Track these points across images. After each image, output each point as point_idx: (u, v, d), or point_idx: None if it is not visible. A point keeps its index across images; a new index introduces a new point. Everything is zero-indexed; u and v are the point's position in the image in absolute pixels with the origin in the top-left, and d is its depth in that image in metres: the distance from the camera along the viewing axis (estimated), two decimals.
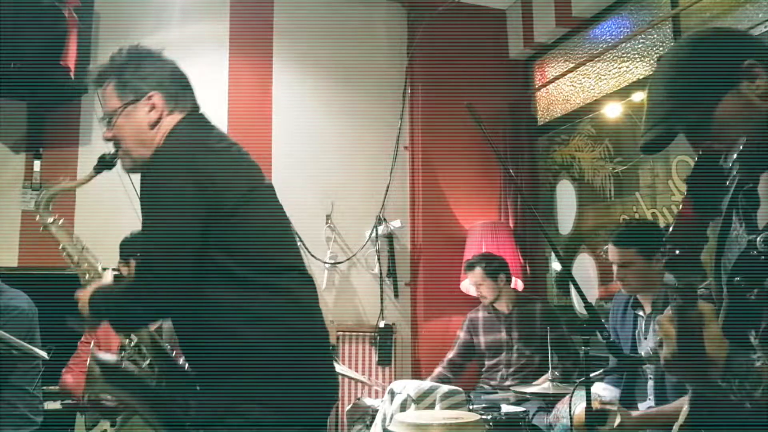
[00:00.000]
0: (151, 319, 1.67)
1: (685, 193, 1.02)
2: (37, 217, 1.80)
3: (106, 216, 3.61)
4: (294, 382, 1.52)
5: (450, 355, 3.79)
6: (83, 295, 1.66)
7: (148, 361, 2.52)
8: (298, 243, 4.05)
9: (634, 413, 2.18)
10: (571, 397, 2.26)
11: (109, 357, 1.89)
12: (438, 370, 3.76)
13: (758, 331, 1.10)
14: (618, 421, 2.09)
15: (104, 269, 1.81)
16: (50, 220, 1.80)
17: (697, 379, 1.06)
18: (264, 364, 1.50)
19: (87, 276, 1.78)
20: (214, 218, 1.51)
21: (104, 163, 1.76)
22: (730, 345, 1.02)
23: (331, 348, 1.76)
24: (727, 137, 1.10)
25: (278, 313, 1.55)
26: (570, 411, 2.24)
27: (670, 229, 1.02)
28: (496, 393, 3.49)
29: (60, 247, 1.80)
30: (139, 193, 1.60)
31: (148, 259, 1.53)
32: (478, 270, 3.67)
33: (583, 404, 1.98)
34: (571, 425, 2.24)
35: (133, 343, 2.78)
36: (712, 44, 1.19)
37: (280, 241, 1.66)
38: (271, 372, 1.50)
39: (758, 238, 1.08)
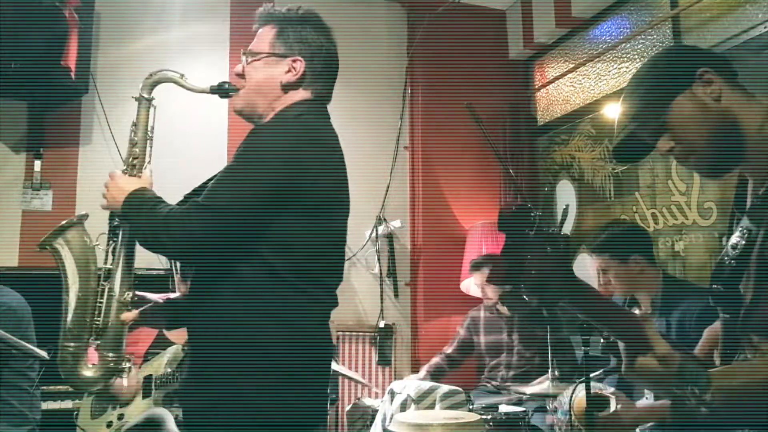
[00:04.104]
0: (176, 252, 1.57)
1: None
2: (138, 93, 1.73)
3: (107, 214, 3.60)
4: (290, 388, 1.48)
5: (448, 350, 3.80)
6: (122, 183, 1.62)
7: None
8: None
9: (638, 404, 2.18)
10: (573, 392, 2.26)
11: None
12: (435, 360, 3.78)
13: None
14: (616, 406, 2.09)
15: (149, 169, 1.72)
16: (145, 96, 1.74)
17: (656, 389, 1.16)
18: (266, 364, 1.47)
19: (130, 159, 1.70)
20: (294, 206, 1.49)
21: (221, 90, 1.71)
22: (681, 354, 1.08)
23: (331, 372, 1.72)
24: (683, 135, 1.24)
25: (296, 319, 1.51)
26: (571, 399, 2.24)
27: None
28: (498, 393, 3.49)
29: (132, 120, 1.73)
30: (238, 149, 1.56)
31: (213, 200, 1.48)
32: (485, 271, 3.66)
33: (584, 392, 1.98)
34: (571, 412, 2.24)
35: None
36: (667, 55, 1.36)
37: (331, 257, 1.62)
38: (270, 373, 1.47)
39: (728, 246, 1.16)
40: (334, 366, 3.44)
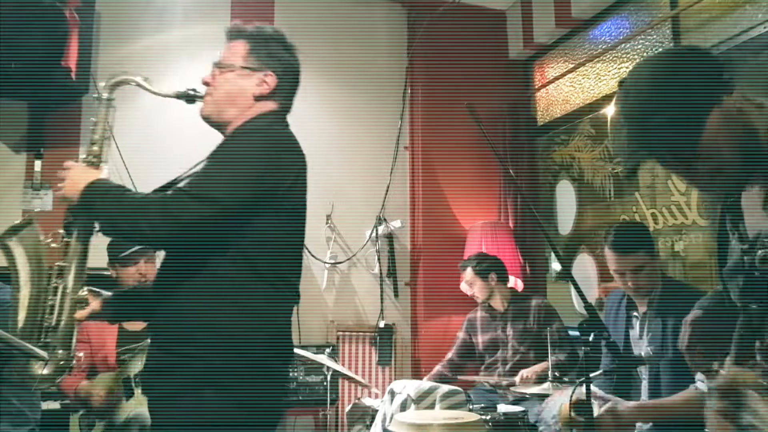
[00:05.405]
0: (154, 237, 1.53)
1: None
2: (98, 93, 1.81)
3: None
4: (255, 381, 1.54)
5: (449, 354, 3.81)
6: (83, 172, 1.66)
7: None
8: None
9: (631, 404, 2.18)
10: (572, 395, 2.26)
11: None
12: (437, 368, 3.79)
13: (763, 342, 1.11)
14: (607, 406, 2.09)
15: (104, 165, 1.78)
16: (105, 96, 1.81)
17: None
18: (233, 354, 1.52)
19: (89, 157, 1.77)
20: (272, 203, 1.58)
21: (187, 96, 1.81)
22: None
23: (291, 366, 1.80)
24: (716, 156, 1.07)
25: (263, 312, 1.58)
26: (560, 407, 2.24)
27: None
28: (495, 392, 3.49)
29: (92, 119, 1.80)
30: (216, 149, 1.66)
31: (199, 189, 1.54)
32: (468, 270, 3.71)
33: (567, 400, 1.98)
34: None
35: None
36: (688, 62, 1.12)
37: (295, 254, 1.72)
38: (238, 363, 1.52)
39: (757, 255, 1.05)
40: (334, 365, 3.45)
